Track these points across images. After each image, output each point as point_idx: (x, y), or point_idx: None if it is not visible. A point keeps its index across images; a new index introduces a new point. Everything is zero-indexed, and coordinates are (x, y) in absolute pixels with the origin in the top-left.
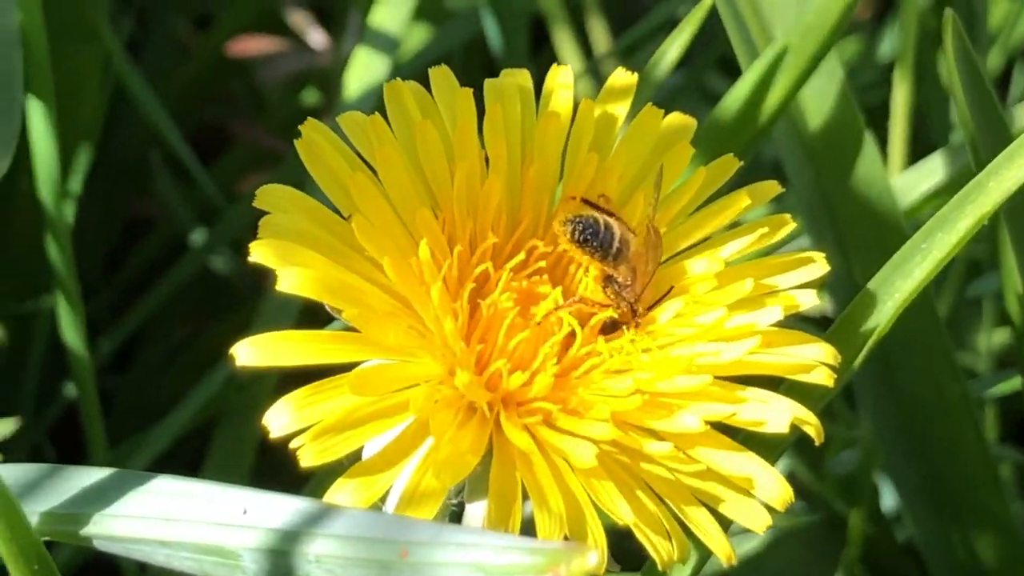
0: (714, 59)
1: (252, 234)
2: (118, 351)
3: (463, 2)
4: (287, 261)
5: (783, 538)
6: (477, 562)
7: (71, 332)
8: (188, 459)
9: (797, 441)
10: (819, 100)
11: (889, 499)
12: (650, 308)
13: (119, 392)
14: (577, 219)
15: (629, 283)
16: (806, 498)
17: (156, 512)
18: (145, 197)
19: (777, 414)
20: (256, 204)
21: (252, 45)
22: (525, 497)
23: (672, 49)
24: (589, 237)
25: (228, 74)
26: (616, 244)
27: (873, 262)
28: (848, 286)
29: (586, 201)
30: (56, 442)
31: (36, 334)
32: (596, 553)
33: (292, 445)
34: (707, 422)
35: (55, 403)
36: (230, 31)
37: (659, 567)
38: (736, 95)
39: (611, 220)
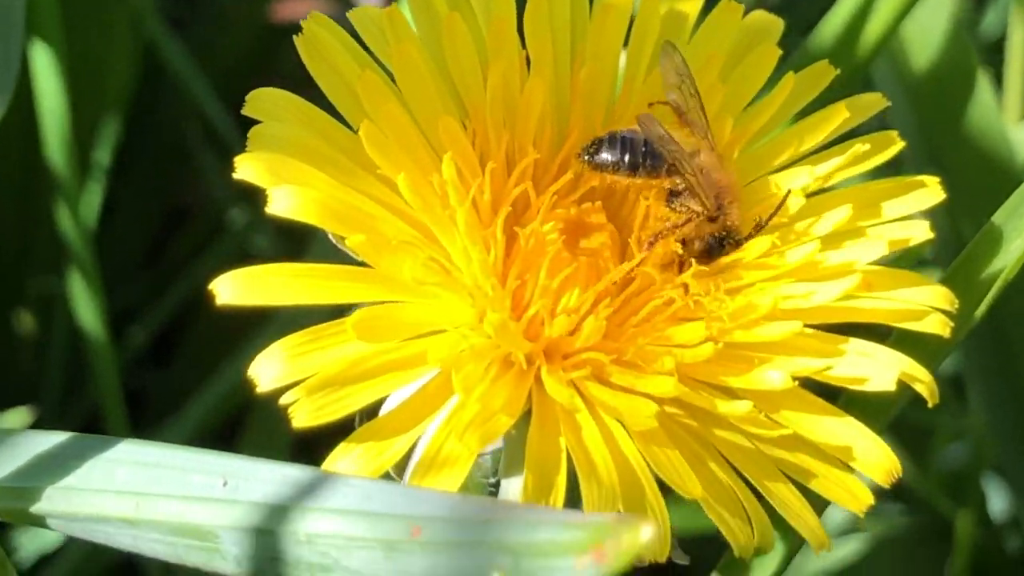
0: None
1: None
2: (156, 345)
3: None
4: (280, 178)
5: (881, 544)
6: (503, 540)
7: (88, 313)
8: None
9: (897, 432)
10: (925, 34)
11: (1000, 502)
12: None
13: (156, 388)
14: (593, 143)
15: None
16: (907, 499)
17: (121, 485)
18: (187, 181)
19: (881, 369)
20: (246, 111)
21: (300, 8)
22: (572, 469)
23: None
24: (609, 158)
25: (274, 41)
26: (667, 156)
27: (986, 221)
28: (957, 252)
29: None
30: None
31: (58, 319)
32: (652, 526)
33: (283, 400)
34: (795, 378)
35: (83, 398)
36: None
37: (736, 554)
38: (828, 27)
39: (659, 132)
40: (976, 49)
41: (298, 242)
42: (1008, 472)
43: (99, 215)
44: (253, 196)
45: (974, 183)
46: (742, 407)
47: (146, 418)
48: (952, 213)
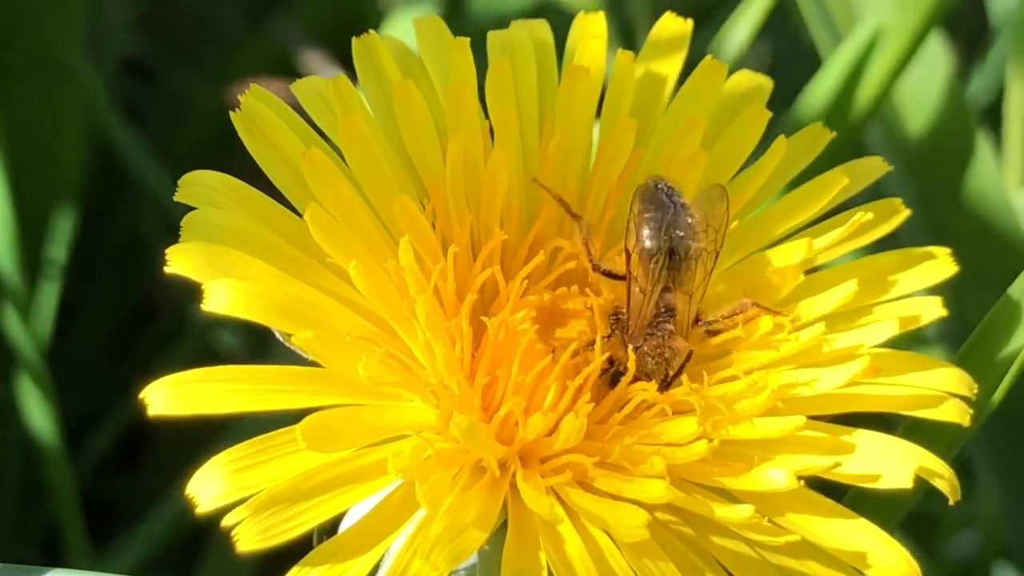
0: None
1: None
2: (122, 448)
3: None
4: (217, 270)
5: None
6: None
7: (41, 422)
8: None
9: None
10: (920, 97)
11: None
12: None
13: (122, 493)
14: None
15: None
16: None
17: None
18: (147, 277)
19: (896, 464)
20: (179, 197)
21: None
22: None
23: (740, 27)
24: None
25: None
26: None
27: (991, 295)
28: (960, 328)
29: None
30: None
31: (12, 428)
32: None
33: (225, 523)
34: (800, 478)
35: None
36: (238, 78)
37: None
38: (817, 90)
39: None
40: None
41: (265, 339)
42: (1021, 561)
43: (57, 316)
44: None
45: (977, 252)
46: (743, 512)
47: (114, 524)
48: (954, 284)
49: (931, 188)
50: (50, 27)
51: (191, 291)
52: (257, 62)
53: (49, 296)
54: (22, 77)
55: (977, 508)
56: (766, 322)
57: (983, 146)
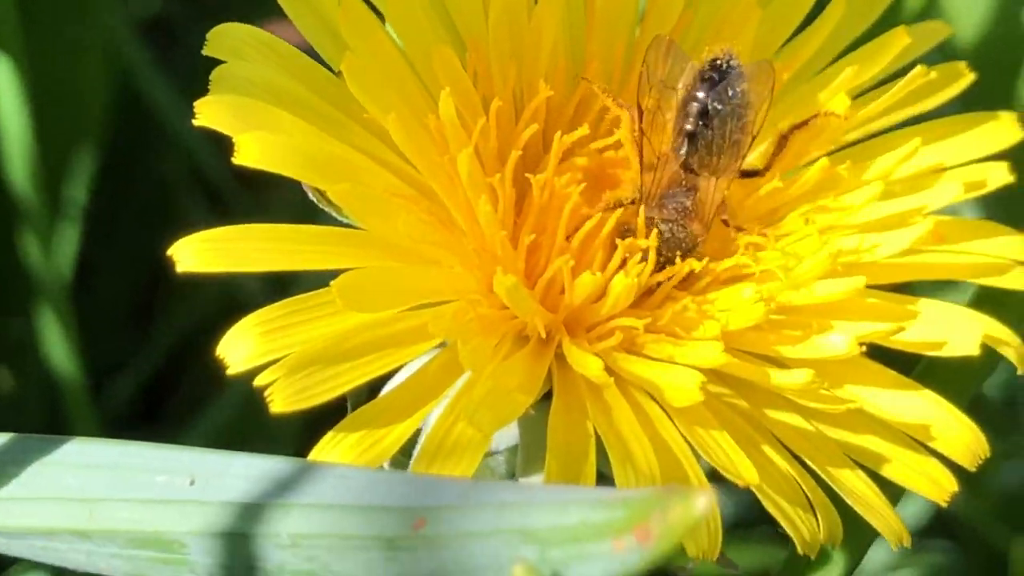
0: None
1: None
2: (144, 402)
3: None
4: (248, 124)
5: None
6: (525, 527)
7: (63, 359)
8: None
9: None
10: (969, 7)
11: None
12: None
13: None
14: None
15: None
16: (955, 530)
17: (71, 491)
18: (172, 230)
19: (961, 331)
20: (207, 51)
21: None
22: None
23: None
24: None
25: None
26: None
27: None
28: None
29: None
30: None
31: (35, 372)
32: (705, 496)
33: (257, 382)
34: (861, 344)
35: None
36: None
37: (800, 551)
38: None
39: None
40: None
41: (287, 286)
42: None
43: (78, 272)
44: None
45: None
46: (801, 377)
47: None
48: (1005, 207)
49: (980, 97)
50: None
51: None
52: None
53: (71, 235)
54: (45, 12)
55: (1020, 441)
56: (814, 171)
57: None
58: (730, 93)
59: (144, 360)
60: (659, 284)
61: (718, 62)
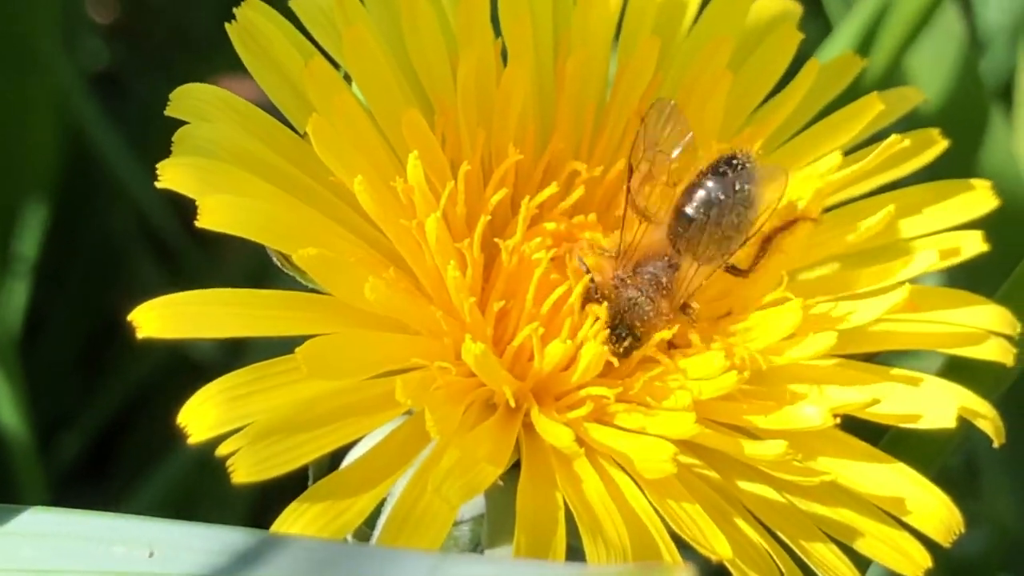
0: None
1: None
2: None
3: None
4: (211, 186)
5: None
6: None
7: (5, 405)
8: None
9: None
10: (932, 67)
11: None
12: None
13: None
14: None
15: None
16: None
17: (26, 562)
18: (121, 284)
19: (938, 403)
20: (170, 111)
21: (246, 86)
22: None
23: None
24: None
25: None
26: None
27: (1007, 269)
28: None
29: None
30: None
31: None
32: (683, 571)
33: (219, 452)
34: (835, 415)
35: None
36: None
37: None
38: (829, 56)
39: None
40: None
41: (242, 348)
42: None
43: (26, 324)
44: None
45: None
46: (775, 448)
47: None
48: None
49: (943, 162)
50: (26, 18)
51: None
52: (231, 70)
53: (19, 290)
54: None
55: (982, 506)
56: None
57: (997, 120)
58: (737, 188)
59: (91, 417)
60: (625, 352)
61: (736, 160)
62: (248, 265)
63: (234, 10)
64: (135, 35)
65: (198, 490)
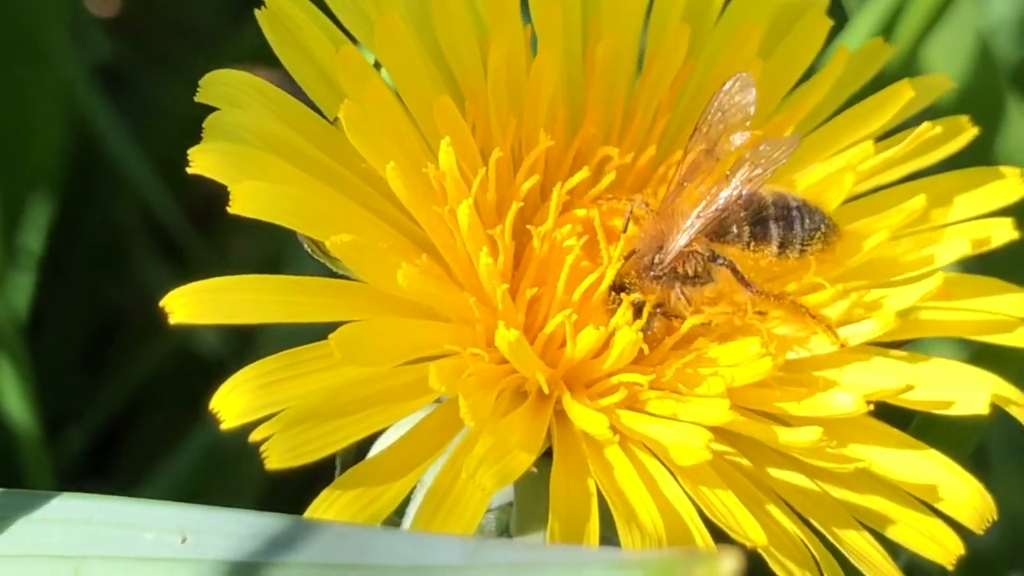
0: None
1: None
2: (95, 453)
3: None
4: (244, 172)
5: None
6: None
7: (13, 399)
8: None
9: None
10: (950, 57)
11: None
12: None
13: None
14: None
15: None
16: None
17: (56, 548)
18: (125, 278)
19: (970, 390)
20: (199, 97)
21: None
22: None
23: None
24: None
25: None
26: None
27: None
28: None
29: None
30: None
31: None
32: (732, 559)
33: (253, 438)
34: (868, 402)
35: None
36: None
37: None
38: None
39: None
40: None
41: (251, 338)
42: None
43: (30, 318)
44: None
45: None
46: (810, 435)
47: None
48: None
49: (962, 151)
50: (31, 11)
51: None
52: (234, 63)
53: (24, 283)
54: (1, 59)
55: (994, 499)
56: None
57: (1013, 109)
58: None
59: (96, 411)
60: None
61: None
62: (254, 259)
63: None
64: (136, 29)
65: (205, 483)
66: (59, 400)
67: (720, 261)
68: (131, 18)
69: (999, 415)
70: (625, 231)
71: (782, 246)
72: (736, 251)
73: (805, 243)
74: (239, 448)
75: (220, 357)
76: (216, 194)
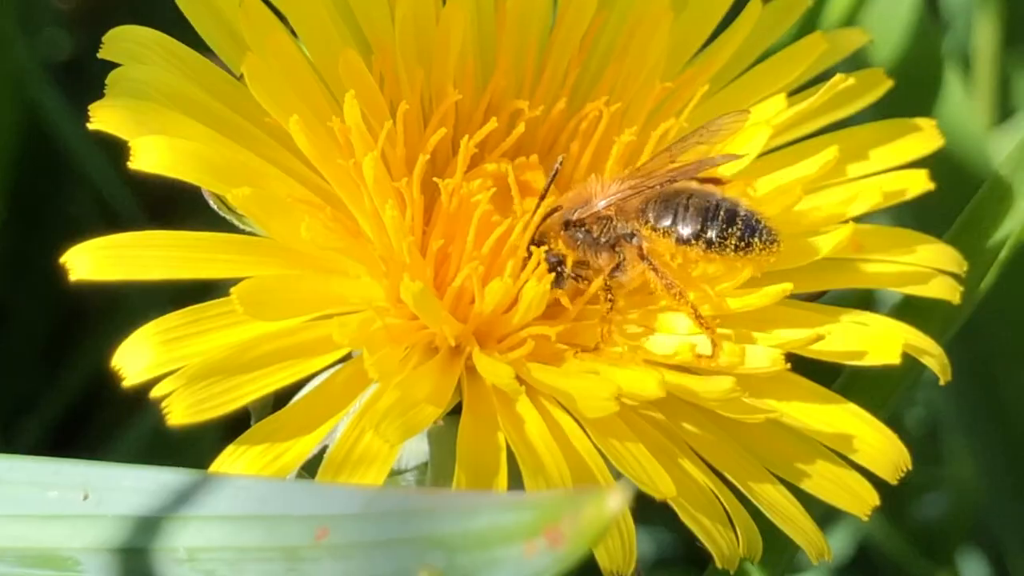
0: None
1: None
2: (54, 441)
3: None
4: (146, 127)
5: None
6: (432, 533)
7: None
8: None
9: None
10: (886, 24)
11: (977, 563)
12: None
13: None
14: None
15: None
16: (876, 565)
17: None
18: None
19: (883, 340)
20: (103, 54)
21: None
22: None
23: None
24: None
25: None
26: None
27: (964, 236)
28: None
29: None
30: None
31: None
32: (617, 496)
33: (154, 393)
34: (782, 353)
35: None
36: None
37: (719, 565)
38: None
39: None
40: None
41: None
42: (996, 524)
43: None
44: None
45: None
46: (722, 384)
47: None
48: (921, 223)
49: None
50: None
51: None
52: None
53: None
54: None
55: (944, 471)
56: (732, 191)
57: (953, 81)
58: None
59: (51, 403)
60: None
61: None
62: None
63: None
64: (97, 22)
65: (156, 458)
66: (16, 390)
67: (634, 239)
68: (91, 10)
69: (949, 388)
70: (549, 186)
71: (683, 238)
72: (648, 231)
73: (715, 243)
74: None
75: None
76: (173, 186)
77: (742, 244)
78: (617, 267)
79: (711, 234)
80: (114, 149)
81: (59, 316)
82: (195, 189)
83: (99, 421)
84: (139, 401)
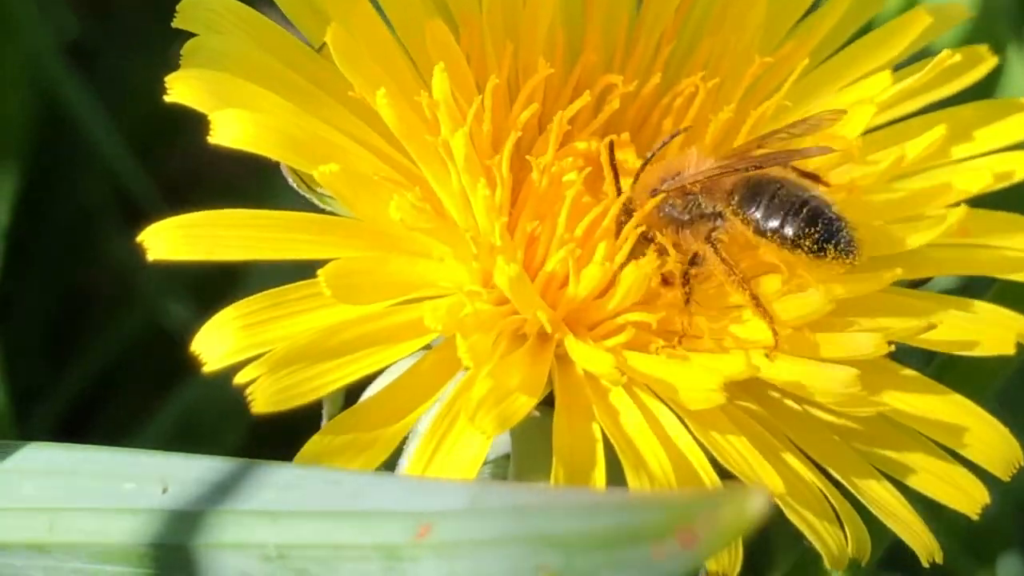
0: None
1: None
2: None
3: None
4: (224, 100)
5: None
6: (549, 533)
7: None
8: None
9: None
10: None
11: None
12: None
13: None
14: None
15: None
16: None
17: (28, 500)
18: (94, 253)
19: (993, 330)
20: (177, 23)
21: None
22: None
23: None
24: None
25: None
26: None
27: None
28: None
29: None
30: None
31: None
32: (762, 497)
33: (238, 379)
34: (890, 343)
35: None
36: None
37: (828, 565)
38: None
39: None
40: None
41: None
42: None
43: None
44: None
45: None
46: (845, 374)
47: None
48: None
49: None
50: None
51: (136, 264)
52: None
53: None
54: None
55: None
56: (838, 176)
57: (1012, 53)
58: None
59: (64, 390)
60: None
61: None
62: None
63: None
64: (105, 5)
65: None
66: (27, 378)
67: (717, 220)
68: None
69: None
70: (644, 166)
71: (761, 229)
72: (730, 214)
73: (789, 240)
74: (213, 420)
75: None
76: (188, 171)
77: (815, 248)
78: (697, 255)
79: (788, 230)
80: (129, 136)
81: (71, 304)
82: (221, 174)
83: (113, 409)
84: (156, 389)
